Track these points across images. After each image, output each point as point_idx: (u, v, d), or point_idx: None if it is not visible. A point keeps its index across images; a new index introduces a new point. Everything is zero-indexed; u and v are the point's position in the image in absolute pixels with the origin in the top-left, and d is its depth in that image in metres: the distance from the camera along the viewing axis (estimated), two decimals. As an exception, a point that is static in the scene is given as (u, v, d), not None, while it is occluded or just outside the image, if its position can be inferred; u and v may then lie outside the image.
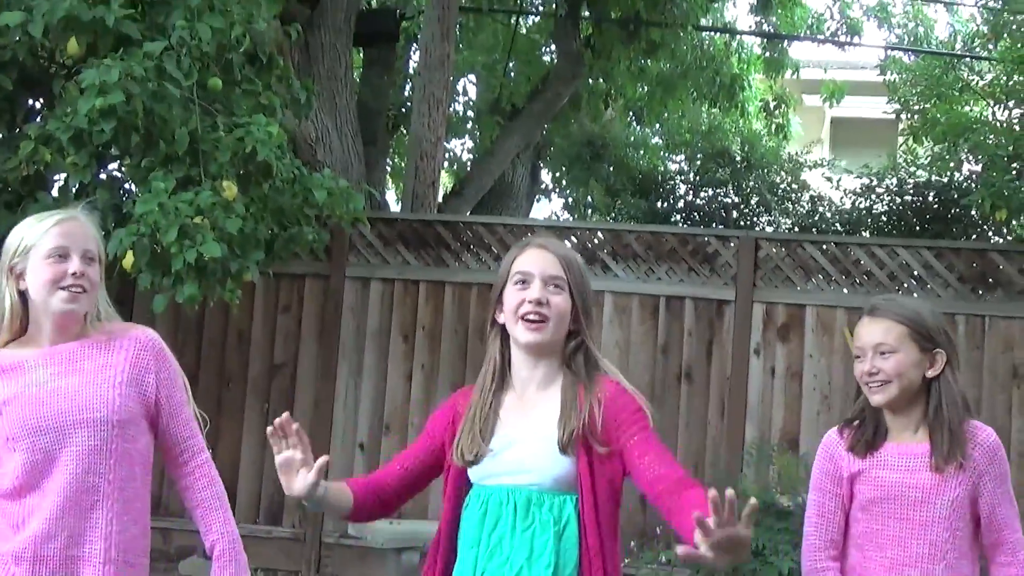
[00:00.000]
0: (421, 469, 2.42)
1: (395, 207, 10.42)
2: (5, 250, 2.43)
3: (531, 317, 2.25)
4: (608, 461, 2.21)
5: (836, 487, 2.56)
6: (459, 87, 11.60)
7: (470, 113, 11.60)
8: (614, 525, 2.25)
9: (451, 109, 10.51)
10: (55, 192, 5.58)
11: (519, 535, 2.18)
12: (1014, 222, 7.61)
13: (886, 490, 2.48)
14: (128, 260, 4.86)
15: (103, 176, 5.55)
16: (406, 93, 10.74)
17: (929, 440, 2.47)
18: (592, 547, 2.16)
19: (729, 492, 1.82)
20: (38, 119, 5.40)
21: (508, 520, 2.20)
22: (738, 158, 9.54)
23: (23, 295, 2.41)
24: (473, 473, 2.29)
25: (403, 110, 10.36)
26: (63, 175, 5.49)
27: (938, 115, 7.44)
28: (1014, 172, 6.29)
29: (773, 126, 10.97)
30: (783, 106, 10.99)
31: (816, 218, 8.96)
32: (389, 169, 11.08)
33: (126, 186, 5.66)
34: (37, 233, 2.40)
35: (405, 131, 10.36)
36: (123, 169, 5.57)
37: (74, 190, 5.41)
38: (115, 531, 2.37)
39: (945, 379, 2.49)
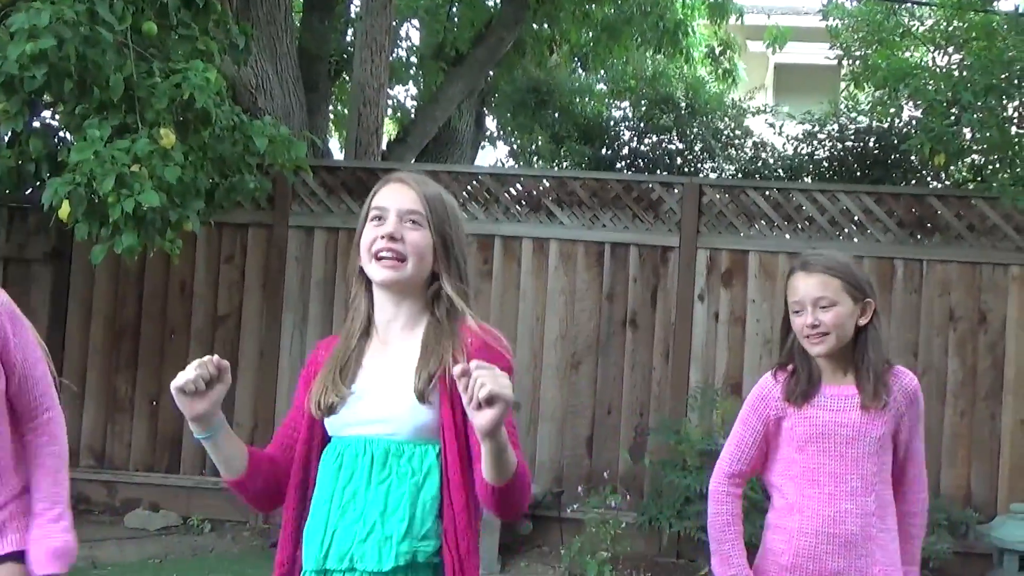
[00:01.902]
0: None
1: (338, 155, 10.30)
2: None
3: (384, 255, 2.05)
4: None
5: (760, 425, 2.70)
6: (402, 32, 11.44)
7: (413, 59, 11.45)
8: None
9: (394, 55, 10.37)
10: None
11: (374, 488, 2.00)
12: (952, 167, 7.71)
13: (819, 428, 2.64)
14: (64, 210, 4.78)
15: (36, 124, 5.43)
16: (348, 38, 10.56)
17: (855, 383, 2.65)
18: (457, 501, 1.99)
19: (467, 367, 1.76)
20: (-34, 65, 5.23)
21: (364, 473, 2.01)
22: (682, 104, 9.54)
23: None
24: (330, 425, 2.09)
25: (345, 56, 10.20)
26: (-6, 123, 5.35)
27: (879, 61, 7.47)
28: (952, 117, 6.36)
29: (720, 72, 10.97)
30: (729, 51, 10.99)
31: (759, 164, 9.01)
32: (332, 116, 10.93)
33: (61, 134, 5.54)
34: None
35: (347, 77, 10.21)
36: (57, 116, 5.45)
37: (7, 138, 5.28)
38: None
39: (873, 327, 2.66)
